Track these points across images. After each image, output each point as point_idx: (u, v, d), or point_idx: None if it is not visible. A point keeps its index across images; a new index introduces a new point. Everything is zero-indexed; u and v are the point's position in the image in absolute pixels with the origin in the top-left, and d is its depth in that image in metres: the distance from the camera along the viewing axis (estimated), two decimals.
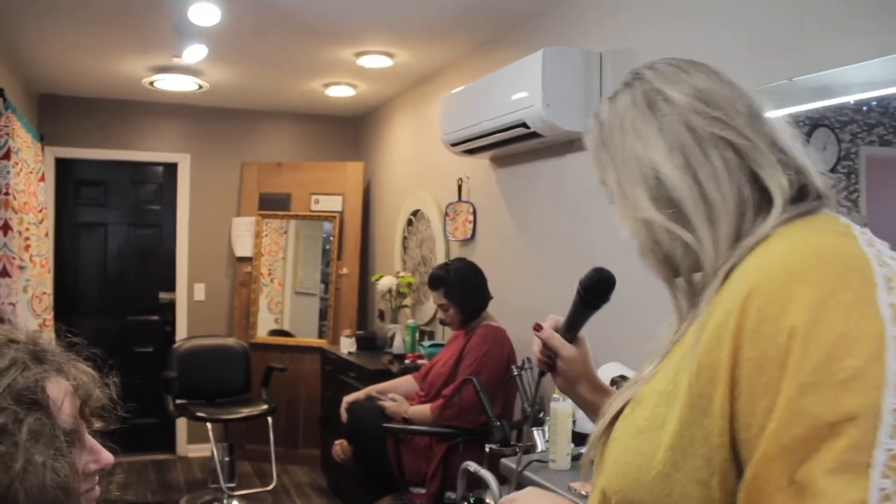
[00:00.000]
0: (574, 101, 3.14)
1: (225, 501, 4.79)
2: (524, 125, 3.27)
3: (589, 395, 1.22)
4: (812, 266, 0.75)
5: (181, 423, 5.81)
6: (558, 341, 1.21)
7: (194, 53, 4.05)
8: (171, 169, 5.95)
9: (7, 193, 3.83)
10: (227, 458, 4.84)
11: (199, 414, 4.82)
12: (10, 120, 3.89)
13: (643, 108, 0.94)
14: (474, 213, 4.26)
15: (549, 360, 1.24)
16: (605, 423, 0.96)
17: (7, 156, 3.84)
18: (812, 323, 0.71)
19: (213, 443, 4.78)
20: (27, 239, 4.12)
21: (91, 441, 1.06)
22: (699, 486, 0.78)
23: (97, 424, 1.11)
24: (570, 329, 1.22)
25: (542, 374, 1.28)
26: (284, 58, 4.57)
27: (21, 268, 4.00)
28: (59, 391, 1.02)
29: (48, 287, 4.61)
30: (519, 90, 3.28)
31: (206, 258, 5.98)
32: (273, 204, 5.98)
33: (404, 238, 5.24)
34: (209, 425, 4.85)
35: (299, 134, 6.25)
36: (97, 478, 1.07)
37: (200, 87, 5.15)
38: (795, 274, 0.75)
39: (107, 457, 1.06)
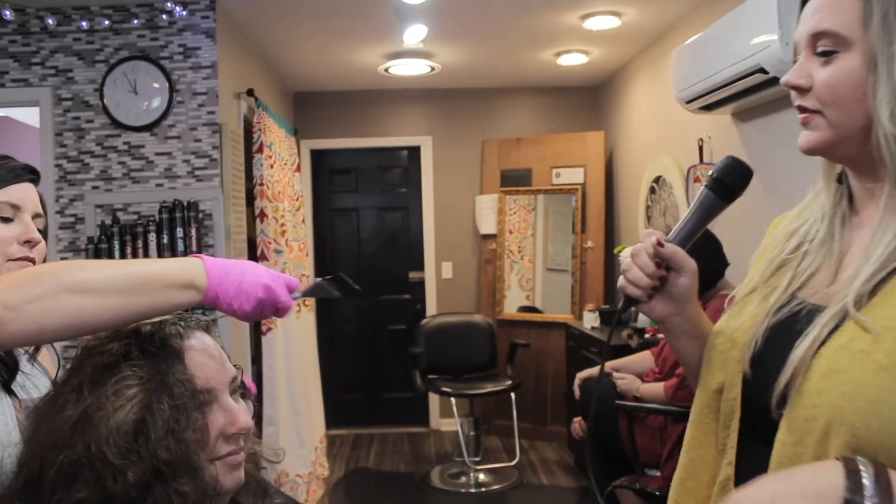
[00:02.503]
0: None
1: (472, 474, 4.87)
2: (762, 70, 2.93)
3: (696, 313, 1.08)
4: None
5: (433, 398, 6.01)
6: (683, 254, 1.04)
7: (415, 34, 4.10)
8: (415, 152, 6.14)
9: (262, 184, 4.14)
10: (472, 433, 4.92)
11: (445, 389, 4.93)
12: (262, 117, 4.19)
13: None
14: None
15: (660, 281, 1.05)
16: (811, 350, 0.87)
17: (260, 149, 4.15)
18: None
19: (457, 417, 4.87)
20: (283, 225, 4.43)
21: (230, 404, 1.04)
22: None
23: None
24: (689, 239, 1.06)
25: (630, 305, 1.08)
26: (508, 29, 4.50)
27: (277, 251, 4.31)
28: (198, 347, 1.03)
29: (307, 269, 4.94)
30: (753, 32, 2.94)
31: (452, 237, 6.11)
32: (515, 180, 5.96)
33: (647, 207, 4.97)
34: (453, 400, 4.94)
35: (537, 107, 6.16)
36: (241, 442, 1.05)
37: (433, 69, 5.24)
38: None
39: (245, 420, 1.04)
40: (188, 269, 1.01)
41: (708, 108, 3.63)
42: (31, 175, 1.32)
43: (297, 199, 4.94)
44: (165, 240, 3.47)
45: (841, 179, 1.02)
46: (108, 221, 3.62)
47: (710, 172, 1.07)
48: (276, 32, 4.43)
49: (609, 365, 3.64)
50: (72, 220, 3.81)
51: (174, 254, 3.47)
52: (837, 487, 0.73)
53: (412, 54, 4.92)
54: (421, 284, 6.14)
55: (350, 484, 4.91)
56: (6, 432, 1.14)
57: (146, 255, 3.48)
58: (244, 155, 4.22)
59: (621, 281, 1.07)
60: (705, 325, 1.10)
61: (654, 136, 4.90)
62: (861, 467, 0.75)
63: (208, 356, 1.05)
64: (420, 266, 6.14)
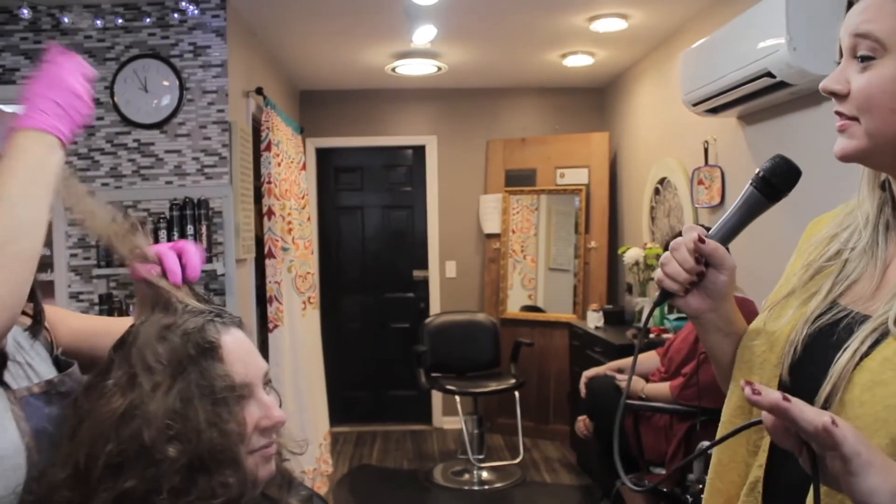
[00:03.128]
0: (824, 42, 2.77)
1: (475, 472, 4.91)
2: (769, 74, 2.96)
3: (731, 311, 1.07)
4: None
5: (436, 396, 6.05)
6: (723, 251, 1.03)
7: (424, 34, 4.13)
8: (420, 151, 6.17)
9: (270, 182, 4.17)
10: (475, 431, 4.95)
11: (449, 387, 4.97)
12: (270, 115, 4.22)
13: None
14: (723, 177, 3.95)
15: (698, 276, 1.04)
16: (852, 362, 0.86)
17: (268, 148, 4.17)
18: None
19: (461, 415, 4.90)
20: (290, 223, 4.46)
21: (265, 398, 1.07)
22: None
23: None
24: (731, 236, 1.06)
25: (665, 298, 1.08)
26: (516, 30, 4.53)
27: (284, 249, 4.34)
28: (233, 343, 1.06)
29: (312, 267, 4.96)
30: (761, 36, 2.97)
31: (456, 236, 6.14)
32: (519, 180, 5.99)
33: (651, 208, 5.00)
34: (458, 398, 4.97)
35: (541, 108, 6.19)
36: (273, 436, 1.08)
37: (439, 69, 5.27)
38: None
39: (279, 415, 1.07)
40: (49, 150, 1.04)
41: (714, 110, 3.65)
42: None
43: (303, 198, 4.96)
44: (176, 237, 3.50)
45: (885, 187, 1.00)
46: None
47: (757, 171, 1.05)
48: (284, 31, 4.46)
49: (614, 365, 3.68)
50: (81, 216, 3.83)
51: None
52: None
53: (419, 54, 4.95)
54: (425, 283, 6.17)
55: (354, 481, 4.94)
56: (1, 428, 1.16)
57: None
58: (252, 153, 4.25)
59: (659, 274, 1.06)
60: (739, 322, 1.10)
61: (659, 137, 4.92)
62: None
63: (244, 351, 1.08)
64: (424, 264, 6.17)
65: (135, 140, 3.87)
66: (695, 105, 3.69)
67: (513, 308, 5.90)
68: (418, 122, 6.15)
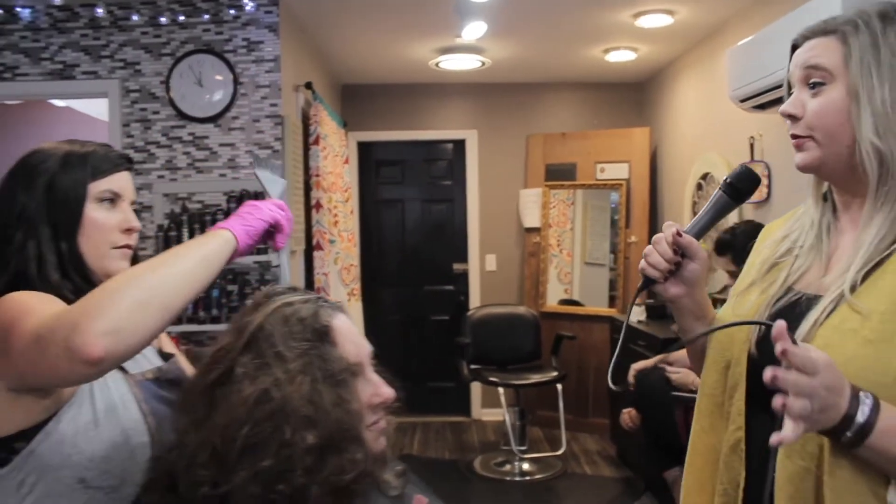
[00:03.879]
0: None
1: (516, 463, 4.96)
2: None
3: (703, 297, 1.27)
4: None
5: (476, 388, 6.11)
6: (697, 244, 1.22)
7: (474, 31, 4.17)
8: (460, 145, 6.22)
9: (318, 175, 4.25)
10: (518, 422, 5.00)
11: (492, 379, 5.02)
12: (318, 110, 4.30)
13: None
14: (769, 172, 3.95)
15: (676, 266, 1.23)
16: (813, 330, 1.08)
17: (316, 141, 4.25)
18: None
19: (504, 406, 4.96)
20: (335, 215, 4.53)
21: (374, 376, 1.14)
22: None
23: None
24: (703, 232, 1.26)
25: (647, 285, 1.26)
26: (562, 26, 4.56)
27: (331, 241, 4.42)
28: (343, 326, 1.12)
29: (354, 259, 5.04)
30: None
31: (496, 230, 6.19)
32: (559, 174, 6.02)
33: (694, 203, 5.01)
34: (501, 390, 5.02)
35: (582, 103, 6.21)
36: (383, 412, 1.14)
37: (483, 63, 5.31)
38: None
39: (387, 391, 1.13)
40: (227, 245, 1.18)
41: (762, 106, 3.66)
42: (129, 164, 1.38)
43: (347, 191, 5.04)
44: None
45: (826, 197, 1.23)
46: (177, 210, 3.74)
47: (725, 178, 1.26)
48: (333, 26, 4.52)
49: (662, 358, 3.70)
50: (138, 208, 3.92)
51: None
52: (844, 400, 0.95)
53: (464, 49, 4.99)
54: (464, 276, 6.23)
55: None
56: (125, 408, 1.23)
57: None
58: (302, 146, 4.32)
59: (642, 263, 1.24)
60: (709, 308, 1.29)
61: (702, 132, 4.93)
62: (862, 392, 0.97)
63: (353, 333, 1.14)
64: (464, 258, 6.22)
65: (189, 133, 3.96)
66: (742, 101, 3.70)
67: (551, 302, 5.94)
68: (459, 117, 6.20)
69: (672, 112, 5.55)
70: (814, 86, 1.14)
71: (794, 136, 1.17)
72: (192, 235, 3.60)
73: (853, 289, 1.07)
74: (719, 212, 1.26)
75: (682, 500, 1.30)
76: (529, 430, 5.38)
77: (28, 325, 1.03)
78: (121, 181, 1.33)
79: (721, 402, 1.24)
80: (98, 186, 1.29)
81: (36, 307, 1.08)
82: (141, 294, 1.00)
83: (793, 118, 1.16)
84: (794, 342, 0.93)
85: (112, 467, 1.17)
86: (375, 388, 1.13)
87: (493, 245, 6.20)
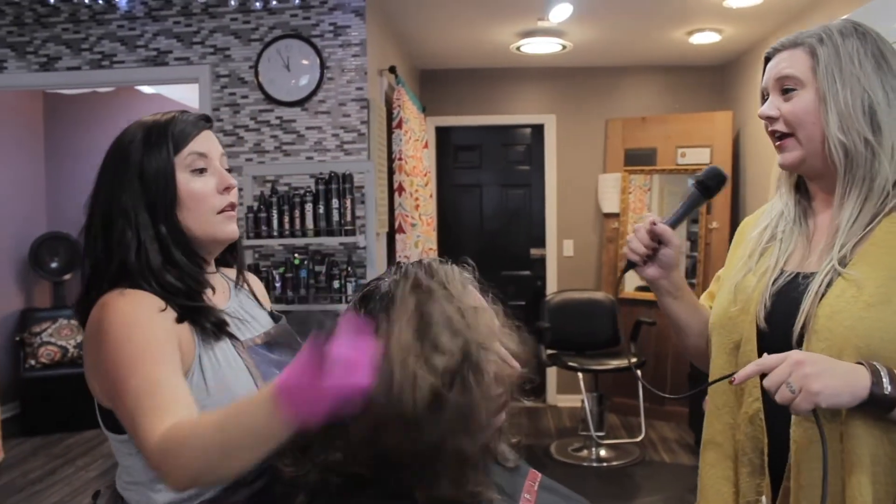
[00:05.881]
0: None
1: (594, 449, 4.94)
2: None
3: (679, 279, 1.45)
4: None
5: (552, 374, 6.09)
6: (671, 232, 1.40)
7: (560, 12, 4.14)
8: (538, 130, 6.19)
9: (400, 159, 4.29)
10: (596, 408, 4.98)
11: (571, 364, 5.00)
12: (400, 94, 4.33)
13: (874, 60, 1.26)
14: None
15: (653, 251, 1.41)
16: (816, 300, 1.22)
17: (399, 125, 4.29)
18: None
19: (583, 392, 4.94)
20: (417, 199, 4.57)
21: (501, 350, 1.11)
22: None
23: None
24: (677, 223, 1.42)
25: (630, 267, 1.46)
26: (648, 7, 4.49)
27: (413, 225, 4.46)
28: (475, 296, 1.13)
29: (433, 244, 5.08)
30: None
31: (574, 215, 6.15)
32: (638, 159, 5.94)
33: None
34: (580, 375, 5.00)
35: (663, 87, 6.11)
36: (509, 386, 1.12)
37: (564, 47, 5.27)
38: None
39: (517, 364, 1.11)
40: (282, 428, 0.97)
41: None
42: (207, 122, 1.37)
43: (426, 175, 5.07)
44: (321, 210, 3.64)
45: (798, 187, 1.39)
46: (266, 192, 3.82)
47: (697, 176, 1.45)
48: (416, 11, 4.54)
49: None
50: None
51: (329, 223, 3.63)
52: (865, 378, 1.11)
53: (546, 33, 4.96)
54: (542, 261, 6.21)
55: None
56: (235, 377, 1.26)
57: (303, 224, 3.66)
58: (386, 130, 4.37)
59: (625, 248, 1.45)
60: (685, 289, 1.47)
61: None
62: (878, 367, 1.12)
63: (482, 307, 1.15)
64: (541, 243, 6.20)
65: (277, 117, 4.04)
66: None
67: (629, 288, 5.88)
68: (537, 101, 6.17)
69: (756, 95, 5.39)
70: (786, 91, 1.30)
71: (776, 137, 1.32)
72: (280, 218, 3.67)
73: (842, 263, 1.22)
74: (691, 206, 1.46)
75: (703, 476, 1.41)
76: (607, 416, 5.35)
77: (129, 404, 1.11)
78: (205, 141, 1.33)
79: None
80: (184, 155, 1.29)
81: (144, 356, 1.14)
82: (208, 469, 1.03)
83: (770, 119, 1.31)
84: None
85: None
86: (505, 361, 1.12)
87: (570, 230, 6.17)
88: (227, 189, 1.33)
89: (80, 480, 4.60)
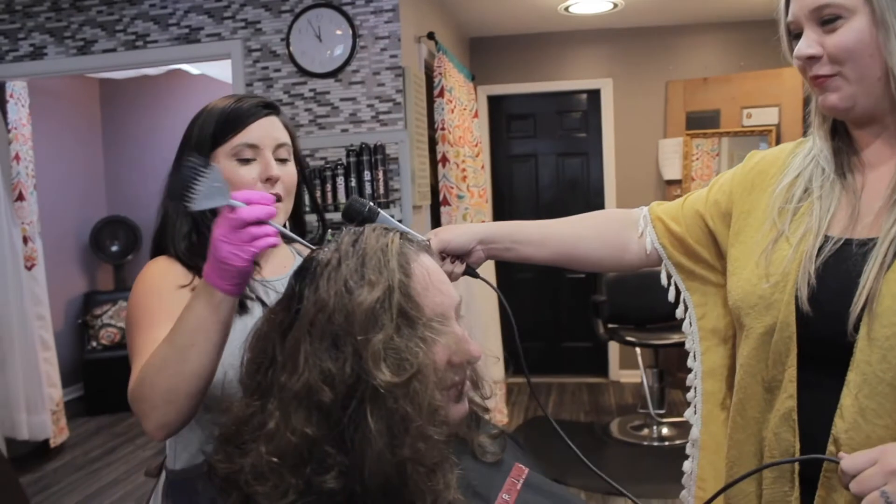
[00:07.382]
0: None
1: (654, 427, 4.73)
2: None
3: (498, 238, 1.36)
4: None
5: (613, 349, 5.90)
6: (454, 247, 1.31)
7: None
8: (594, 95, 5.93)
9: (443, 129, 4.13)
10: (656, 385, 4.76)
11: (629, 338, 4.80)
12: (442, 61, 4.17)
13: None
14: None
15: (461, 259, 1.33)
16: (881, 274, 0.98)
17: (441, 94, 4.13)
18: None
19: (642, 367, 4.73)
20: (464, 171, 4.41)
21: (458, 330, 0.99)
22: None
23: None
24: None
25: (472, 274, 1.37)
26: None
27: (459, 197, 4.30)
28: (423, 270, 0.98)
29: (486, 216, 4.91)
30: None
31: (634, 183, 5.89)
32: (701, 122, 5.64)
33: None
34: (638, 350, 4.79)
35: (725, 44, 5.77)
36: (467, 371, 1.01)
37: (615, 5, 5.00)
38: None
39: (475, 349, 1.00)
40: (213, 301, 1.04)
41: None
42: (267, 110, 1.35)
43: (476, 145, 4.90)
44: (353, 183, 3.53)
45: (833, 135, 1.14)
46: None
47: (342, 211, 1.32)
48: None
49: None
50: None
51: (361, 196, 3.51)
52: None
53: None
54: None
55: (530, 431, 4.90)
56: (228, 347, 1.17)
57: (335, 198, 3.56)
58: (426, 100, 4.22)
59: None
60: (516, 233, 1.38)
61: None
62: None
63: (438, 280, 1.00)
64: None
65: (311, 90, 3.93)
66: None
67: None
68: (592, 65, 5.91)
69: None
70: (826, 22, 1.03)
71: (815, 78, 1.07)
72: (312, 194, 3.57)
73: None
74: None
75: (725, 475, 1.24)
76: (669, 394, 5.12)
77: (135, 352, 1.24)
78: (257, 131, 1.32)
79: (756, 372, 1.14)
80: (233, 144, 1.31)
81: (150, 319, 1.24)
82: (167, 393, 1.08)
83: (813, 59, 1.05)
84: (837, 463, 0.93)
85: (210, 401, 1.17)
86: (460, 344, 0.97)
87: (630, 199, 5.90)
88: (270, 180, 1.32)
89: (136, 459, 4.66)
